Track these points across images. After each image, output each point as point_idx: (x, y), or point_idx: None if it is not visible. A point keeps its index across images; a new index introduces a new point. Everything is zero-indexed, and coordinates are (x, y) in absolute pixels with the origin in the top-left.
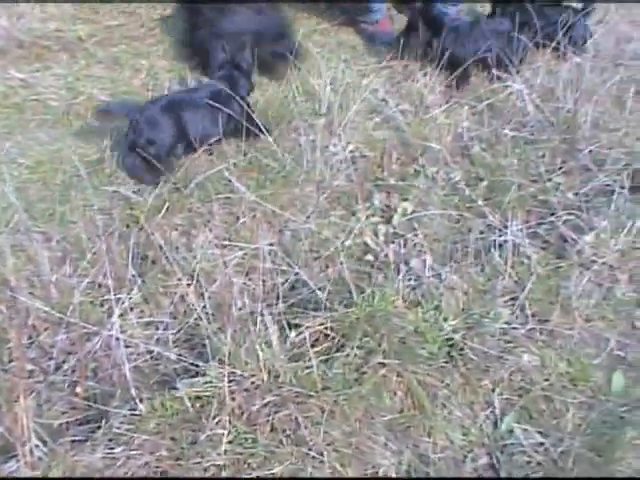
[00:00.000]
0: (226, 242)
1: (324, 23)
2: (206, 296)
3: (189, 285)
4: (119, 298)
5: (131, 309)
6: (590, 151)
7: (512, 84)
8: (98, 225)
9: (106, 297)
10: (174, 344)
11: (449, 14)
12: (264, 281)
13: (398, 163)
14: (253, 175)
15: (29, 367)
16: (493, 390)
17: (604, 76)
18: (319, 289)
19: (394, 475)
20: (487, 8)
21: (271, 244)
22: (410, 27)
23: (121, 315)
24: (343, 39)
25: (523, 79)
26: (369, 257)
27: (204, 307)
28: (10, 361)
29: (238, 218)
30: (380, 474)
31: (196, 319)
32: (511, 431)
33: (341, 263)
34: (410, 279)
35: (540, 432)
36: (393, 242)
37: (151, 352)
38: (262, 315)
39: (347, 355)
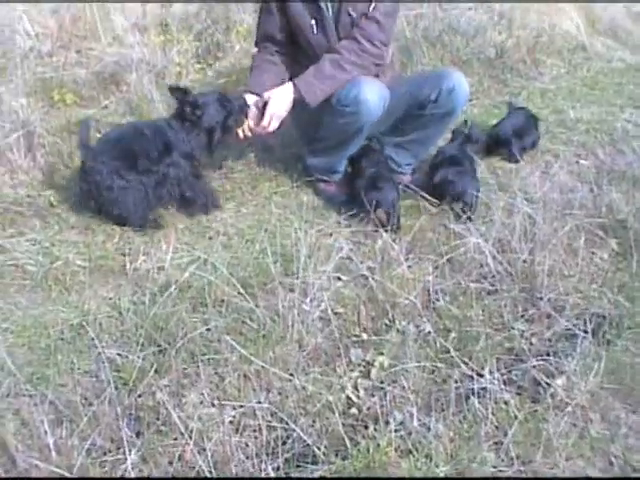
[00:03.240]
0: (216, 401)
1: (284, 185)
2: (207, 454)
3: (187, 444)
4: (118, 459)
5: (131, 470)
6: (549, 299)
7: (470, 238)
8: (87, 388)
9: (105, 458)
10: None
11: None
12: (257, 438)
13: (369, 319)
14: (234, 336)
15: None
16: None
17: (555, 225)
18: (313, 443)
19: None
20: None
21: (259, 402)
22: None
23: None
24: (303, 200)
25: (479, 232)
26: (353, 411)
27: (204, 466)
28: None
29: (223, 378)
30: None
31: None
32: None
33: (327, 418)
34: (399, 430)
35: None
36: (374, 395)
37: None
38: (263, 471)
39: None
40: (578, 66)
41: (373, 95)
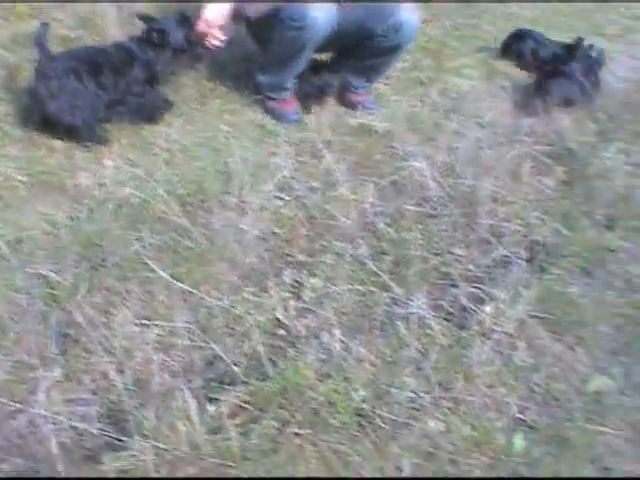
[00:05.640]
0: (144, 320)
1: (233, 102)
2: (127, 373)
3: (110, 362)
4: (44, 376)
5: (54, 386)
6: (490, 225)
7: (414, 161)
8: (19, 304)
9: (29, 375)
10: (97, 420)
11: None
12: (182, 357)
13: (306, 240)
14: (168, 254)
15: None
16: (402, 455)
17: (502, 151)
18: (235, 364)
19: None
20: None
21: (187, 321)
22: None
23: (44, 392)
24: (252, 118)
25: (425, 155)
26: (281, 332)
27: (125, 384)
28: None
29: (155, 296)
30: None
31: (118, 395)
32: None
33: (253, 339)
34: (321, 352)
35: None
36: (304, 317)
37: (75, 428)
38: (181, 390)
39: (263, 426)
40: None
41: (321, 12)
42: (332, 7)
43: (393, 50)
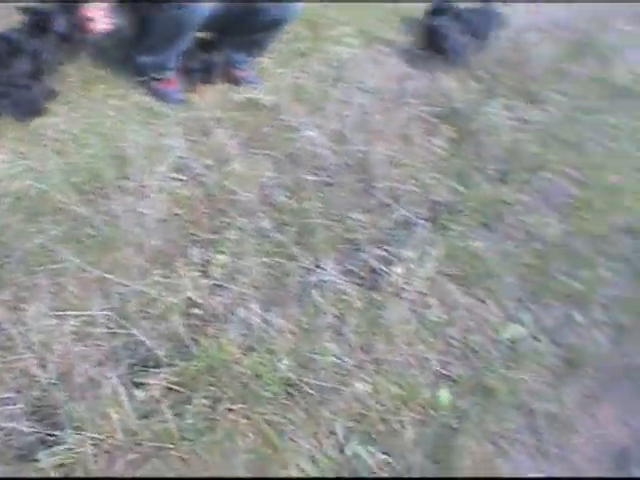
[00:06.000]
0: (59, 312)
1: (118, 87)
2: (49, 367)
3: (30, 358)
4: None
5: None
6: (387, 188)
7: (306, 131)
8: None
9: None
10: (26, 418)
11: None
12: (102, 345)
13: (208, 217)
14: (72, 244)
15: None
16: (334, 420)
17: (390, 115)
18: (157, 347)
19: None
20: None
21: (102, 309)
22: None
23: None
24: (137, 100)
25: (315, 125)
26: (197, 311)
27: (49, 378)
28: None
29: (64, 288)
30: None
31: (43, 391)
32: (356, 454)
33: (169, 320)
34: (241, 327)
35: (383, 451)
36: (216, 294)
37: (3, 429)
38: (107, 378)
39: (196, 406)
40: None
41: None
42: None
43: (277, 24)
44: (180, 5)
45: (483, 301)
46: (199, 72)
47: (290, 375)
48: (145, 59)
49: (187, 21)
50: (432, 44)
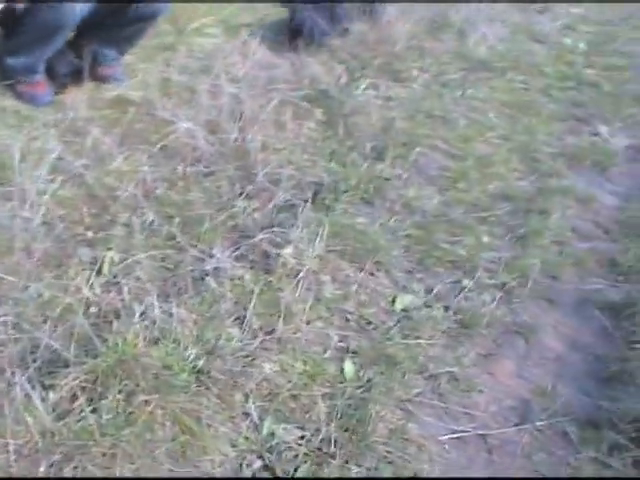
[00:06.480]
0: None
1: None
2: None
3: None
4: None
5: None
6: (265, 173)
7: (179, 123)
8: None
9: None
10: None
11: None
12: (2, 351)
13: (92, 216)
14: None
15: None
16: (246, 402)
17: (261, 102)
18: (62, 348)
19: None
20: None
21: None
22: None
23: None
24: (5, 105)
25: (187, 117)
26: (93, 309)
27: None
28: None
29: None
30: None
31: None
32: (272, 433)
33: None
34: (143, 320)
35: (298, 427)
36: (112, 291)
37: None
38: (16, 384)
39: (111, 401)
40: None
41: None
42: None
43: (149, 18)
44: (55, 6)
45: (374, 274)
46: (69, 73)
47: (198, 363)
48: (14, 62)
49: (61, 23)
50: (292, 30)
